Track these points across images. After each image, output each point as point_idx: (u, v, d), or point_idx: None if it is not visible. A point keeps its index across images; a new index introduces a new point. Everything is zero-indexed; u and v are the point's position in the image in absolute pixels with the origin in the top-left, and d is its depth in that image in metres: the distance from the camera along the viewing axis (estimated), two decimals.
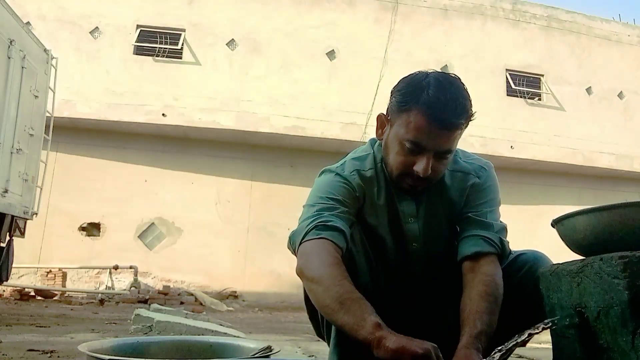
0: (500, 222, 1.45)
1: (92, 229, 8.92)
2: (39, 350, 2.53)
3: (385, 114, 1.44)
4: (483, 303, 1.26)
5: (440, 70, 1.41)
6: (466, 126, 1.35)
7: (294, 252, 1.35)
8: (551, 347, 1.17)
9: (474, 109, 1.35)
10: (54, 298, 8.06)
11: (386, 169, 1.44)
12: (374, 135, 1.54)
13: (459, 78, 1.37)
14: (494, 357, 1.04)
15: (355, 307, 1.14)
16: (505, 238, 1.42)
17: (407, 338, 1.06)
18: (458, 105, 1.30)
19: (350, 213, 1.40)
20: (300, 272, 1.28)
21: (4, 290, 7.62)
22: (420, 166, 1.32)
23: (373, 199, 1.45)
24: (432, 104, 1.28)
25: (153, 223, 9.07)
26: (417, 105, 1.30)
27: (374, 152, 1.49)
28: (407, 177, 1.38)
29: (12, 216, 5.21)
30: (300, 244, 1.32)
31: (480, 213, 1.43)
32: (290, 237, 1.38)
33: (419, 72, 1.39)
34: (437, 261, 1.49)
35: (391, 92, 1.41)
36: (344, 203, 1.39)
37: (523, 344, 1.05)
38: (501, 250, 1.39)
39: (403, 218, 1.46)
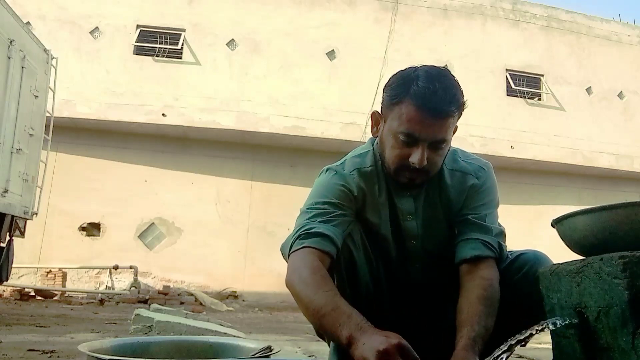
0: (499, 225, 1.46)
1: (92, 229, 8.92)
2: (39, 350, 2.53)
3: (379, 111, 1.45)
4: (480, 306, 1.26)
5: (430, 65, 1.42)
6: (459, 116, 1.35)
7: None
8: (551, 347, 1.17)
9: (465, 99, 1.36)
10: (54, 298, 8.05)
11: (384, 165, 1.44)
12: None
13: (449, 70, 1.37)
14: (494, 358, 1.03)
15: (329, 323, 1.15)
16: (504, 242, 1.43)
17: (373, 343, 1.03)
18: (448, 93, 1.30)
19: (346, 215, 1.40)
20: (287, 286, 1.30)
21: (4, 290, 7.62)
22: (415, 157, 1.32)
23: (374, 197, 1.45)
24: (421, 94, 1.29)
25: (153, 223, 9.07)
26: (408, 97, 1.31)
27: (373, 149, 1.50)
28: (405, 171, 1.37)
29: (12, 216, 5.21)
30: (289, 256, 1.34)
31: (479, 215, 1.43)
32: (281, 249, 1.41)
33: (408, 67, 1.40)
34: (436, 259, 1.50)
35: (383, 89, 1.42)
36: (339, 206, 1.39)
37: (523, 344, 1.05)
38: (499, 255, 1.39)
39: (401, 216, 1.46)
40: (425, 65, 1.38)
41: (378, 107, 1.49)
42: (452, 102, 1.31)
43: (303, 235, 1.32)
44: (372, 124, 1.48)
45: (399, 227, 1.47)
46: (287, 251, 1.35)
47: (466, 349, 1.17)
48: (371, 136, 1.54)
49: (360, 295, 1.46)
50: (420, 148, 1.32)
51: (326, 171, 1.49)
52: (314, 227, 1.33)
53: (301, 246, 1.31)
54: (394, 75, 1.40)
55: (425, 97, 1.28)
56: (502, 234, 1.44)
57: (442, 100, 1.29)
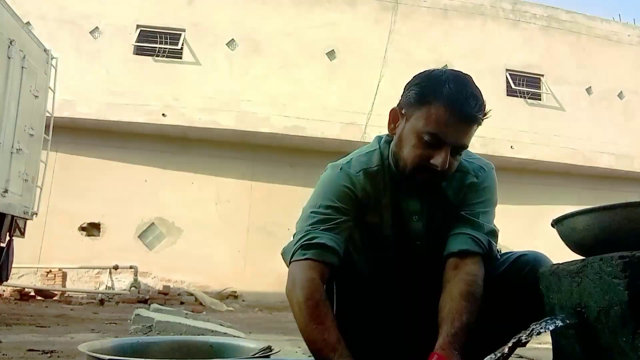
0: (493, 225, 1.45)
1: (92, 229, 8.92)
2: (39, 350, 2.53)
3: (399, 108, 1.43)
4: (463, 302, 1.27)
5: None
6: (480, 124, 1.37)
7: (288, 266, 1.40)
8: (551, 347, 1.17)
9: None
10: (54, 298, 8.05)
11: (398, 164, 1.42)
12: (374, 136, 1.53)
13: (471, 77, 1.38)
14: (493, 358, 1.03)
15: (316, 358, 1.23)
16: (494, 241, 1.42)
17: None
18: (477, 100, 1.32)
19: (348, 220, 1.40)
20: (287, 297, 1.33)
21: (4, 290, 7.62)
22: (438, 159, 1.31)
23: (378, 197, 1.45)
24: (454, 97, 1.29)
25: (153, 223, 9.07)
26: (440, 98, 1.31)
27: (380, 148, 1.49)
28: (423, 171, 1.36)
29: (12, 216, 5.20)
30: (290, 263, 1.35)
31: (473, 213, 1.43)
32: (282, 254, 1.41)
33: (434, 69, 1.40)
34: (439, 260, 1.49)
35: (406, 87, 1.40)
36: (342, 210, 1.39)
37: (523, 344, 1.05)
38: (488, 252, 1.39)
39: (407, 216, 1.46)
40: (450, 70, 1.39)
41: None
42: (481, 110, 1.33)
43: (305, 245, 1.33)
44: (389, 120, 1.45)
45: (403, 228, 1.46)
46: (289, 259, 1.36)
47: (445, 348, 1.18)
48: (375, 135, 1.54)
49: (360, 298, 1.46)
50: (444, 151, 1.31)
51: (333, 168, 1.48)
52: (317, 237, 1.33)
53: (303, 257, 1.32)
54: (420, 75, 1.40)
55: (458, 102, 1.29)
56: (493, 232, 1.43)
57: (473, 106, 1.30)
